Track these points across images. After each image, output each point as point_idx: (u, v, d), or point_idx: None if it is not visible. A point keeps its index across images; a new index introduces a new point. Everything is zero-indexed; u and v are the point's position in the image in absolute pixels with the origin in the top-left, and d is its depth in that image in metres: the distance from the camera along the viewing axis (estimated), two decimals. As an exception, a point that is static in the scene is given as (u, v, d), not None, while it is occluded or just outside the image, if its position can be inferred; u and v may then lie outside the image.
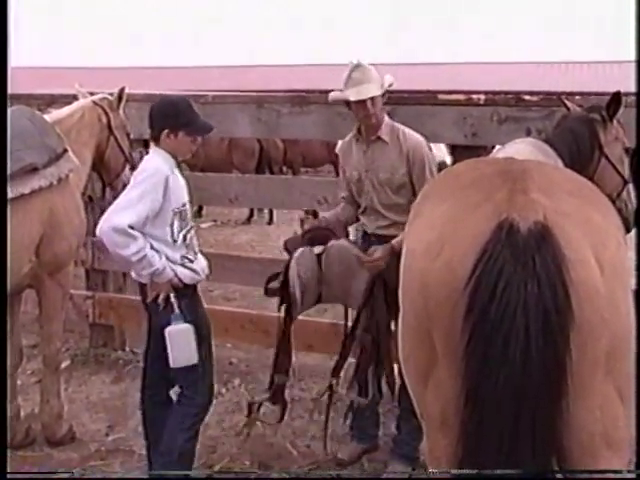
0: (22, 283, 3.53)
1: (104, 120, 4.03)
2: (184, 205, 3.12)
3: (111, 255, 3.06)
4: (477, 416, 1.74)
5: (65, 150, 3.50)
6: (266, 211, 11.03)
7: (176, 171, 3.16)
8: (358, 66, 3.26)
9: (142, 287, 3.18)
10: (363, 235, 3.65)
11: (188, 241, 3.16)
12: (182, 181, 3.18)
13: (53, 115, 3.81)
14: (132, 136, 4.29)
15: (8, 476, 2.58)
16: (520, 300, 1.67)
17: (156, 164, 3.04)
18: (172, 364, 3.03)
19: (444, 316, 1.82)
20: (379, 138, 3.38)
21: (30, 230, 3.29)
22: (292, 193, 4.59)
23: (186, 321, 3.05)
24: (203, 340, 3.15)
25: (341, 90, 3.31)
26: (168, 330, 3.01)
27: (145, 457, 3.50)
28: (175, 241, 3.09)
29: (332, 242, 3.32)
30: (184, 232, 3.13)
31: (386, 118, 3.41)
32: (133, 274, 3.15)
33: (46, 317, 3.68)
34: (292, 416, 4.12)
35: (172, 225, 3.05)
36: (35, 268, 3.49)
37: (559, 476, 1.86)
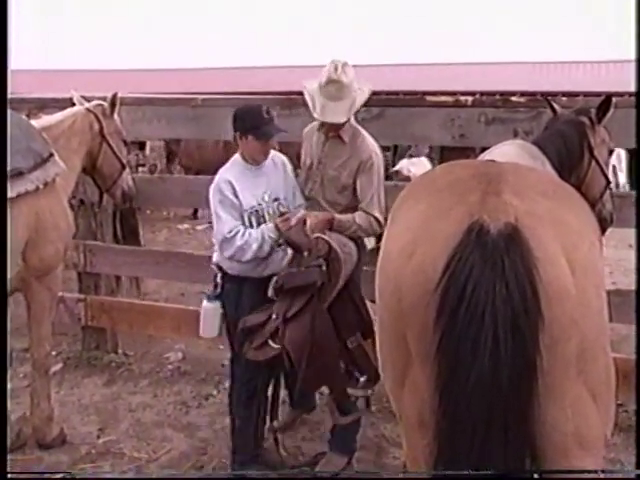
0: (10, 287, 3.54)
1: (96, 127, 4.05)
2: (259, 204, 3.33)
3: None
4: (450, 416, 1.76)
5: (51, 154, 3.50)
6: (262, 213, 11.03)
7: (253, 172, 3.35)
8: (334, 81, 3.24)
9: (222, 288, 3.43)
10: None
11: None
12: (260, 182, 3.35)
13: (43, 121, 3.83)
14: (127, 140, 4.31)
15: (8, 476, 2.60)
16: (489, 301, 1.68)
17: (220, 174, 3.34)
18: (200, 333, 3.50)
19: (417, 317, 1.83)
20: (339, 136, 3.41)
21: (16, 234, 3.29)
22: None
23: (223, 306, 3.39)
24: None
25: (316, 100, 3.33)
26: (203, 305, 3.45)
27: (135, 459, 3.54)
28: None
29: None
30: None
31: (352, 119, 3.43)
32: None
33: (35, 321, 3.69)
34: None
35: (251, 225, 3.31)
36: (22, 272, 3.50)
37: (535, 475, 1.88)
